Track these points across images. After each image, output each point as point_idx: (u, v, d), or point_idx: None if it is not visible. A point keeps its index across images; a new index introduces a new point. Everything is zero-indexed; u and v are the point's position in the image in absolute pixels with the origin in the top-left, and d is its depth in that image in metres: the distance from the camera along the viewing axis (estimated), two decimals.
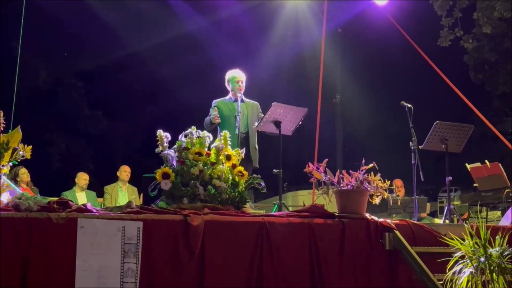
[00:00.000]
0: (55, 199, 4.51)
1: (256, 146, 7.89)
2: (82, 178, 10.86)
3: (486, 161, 9.44)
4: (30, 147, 5.29)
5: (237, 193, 5.42)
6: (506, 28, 16.67)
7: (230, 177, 5.42)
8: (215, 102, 7.96)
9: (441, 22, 16.12)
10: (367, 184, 5.44)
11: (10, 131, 5.16)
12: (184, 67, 25.62)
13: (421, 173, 7.64)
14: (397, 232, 5.28)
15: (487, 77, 18.44)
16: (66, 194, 10.31)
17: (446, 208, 7.75)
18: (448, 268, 4.82)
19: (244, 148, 5.96)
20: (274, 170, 7.28)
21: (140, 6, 20.91)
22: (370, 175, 5.47)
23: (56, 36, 24.01)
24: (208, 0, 19.07)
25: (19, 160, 5.16)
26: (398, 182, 10.96)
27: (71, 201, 4.56)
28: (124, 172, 10.92)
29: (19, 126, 5.22)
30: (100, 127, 27.69)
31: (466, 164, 9.59)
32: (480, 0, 15.64)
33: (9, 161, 4.95)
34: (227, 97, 8.00)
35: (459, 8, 15.84)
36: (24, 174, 9.75)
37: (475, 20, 16.16)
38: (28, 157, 5.27)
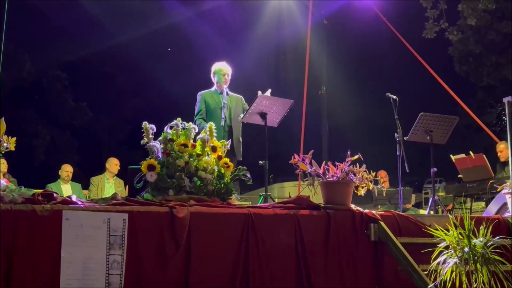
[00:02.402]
0: (40, 191, 4.48)
1: (240, 139, 7.88)
2: (64, 170, 10.82)
3: (471, 152, 9.50)
4: (14, 139, 5.27)
5: (222, 185, 5.41)
6: (491, 20, 16.76)
7: (216, 169, 5.41)
8: (200, 94, 7.92)
9: (426, 14, 16.17)
10: (352, 175, 5.45)
11: None
12: (169, 58, 25.53)
13: (406, 164, 7.67)
14: (382, 223, 5.31)
15: (472, 69, 18.54)
16: (51, 186, 10.26)
17: (431, 199, 7.79)
18: (432, 258, 4.84)
19: (230, 140, 5.95)
20: (260, 161, 7.28)
21: None
22: (356, 167, 5.48)
23: (40, 27, 23.81)
24: None
25: (3, 152, 5.12)
26: (382, 173, 11.03)
27: (56, 193, 4.54)
28: (115, 165, 10.86)
29: (3, 117, 5.18)
30: (85, 119, 27.53)
31: (451, 156, 9.64)
32: None
33: None
34: (213, 88, 7.98)
35: (444, 0, 15.90)
36: (2, 164, 9.63)
37: (460, 12, 16.22)
38: (12, 149, 5.24)
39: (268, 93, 7.50)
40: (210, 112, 7.77)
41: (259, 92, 7.47)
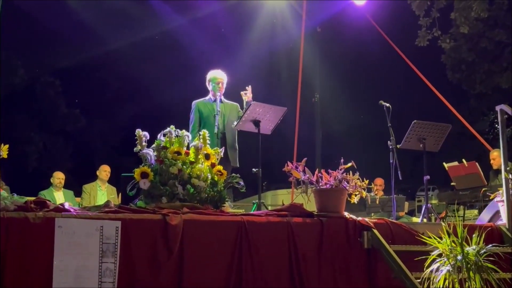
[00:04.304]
0: (33, 198, 4.47)
1: (236, 146, 7.86)
2: (56, 177, 10.78)
3: (464, 160, 9.52)
4: (7, 146, 5.25)
5: (216, 192, 5.41)
6: (483, 28, 16.81)
7: (209, 176, 5.41)
8: (194, 103, 7.91)
9: (419, 22, 16.19)
10: (345, 183, 5.46)
11: None
12: (163, 65, 25.53)
13: (399, 172, 7.68)
14: (375, 230, 5.31)
15: (464, 77, 18.58)
16: (44, 194, 10.22)
17: (424, 206, 7.81)
18: (425, 266, 4.85)
19: (223, 147, 5.95)
20: (253, 169, 7.28)
21: (118, 3, 20.76)
22: (349, 174, 5.49)
23: (33, 33, 23.79)
24: None
25: None
26: (378, 181, 11.00)
27: (49, 200, 4.53)
28: (104, 171, 10.85)
29: None
30: (78, 125, 27.49)
31: (444, 163, 9.66)
32: (458, 0, 15.74)
33: None
34: (207, 97, 7.97)
35: (437, 8, 15.93)
36: None
37: (452, 20, 16.28)
38: (5, 156, 5.22)
39: (249, 89, 7.57)
40: (204, 120, 7.76)
41: (248, 95, 7.53)
